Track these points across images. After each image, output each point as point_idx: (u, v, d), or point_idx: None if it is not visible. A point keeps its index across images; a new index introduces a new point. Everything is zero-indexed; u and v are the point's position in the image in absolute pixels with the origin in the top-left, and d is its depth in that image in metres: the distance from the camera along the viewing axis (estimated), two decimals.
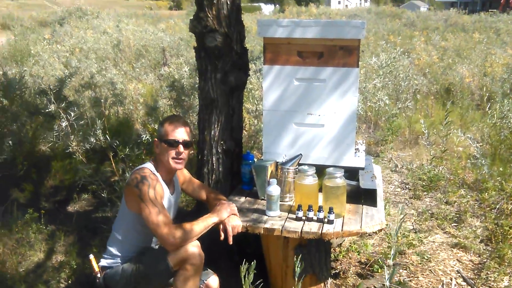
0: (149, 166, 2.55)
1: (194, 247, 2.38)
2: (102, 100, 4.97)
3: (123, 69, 8.98)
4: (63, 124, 3.75)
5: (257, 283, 1.99)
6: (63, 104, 3.94)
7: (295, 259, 1.80)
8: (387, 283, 1.76)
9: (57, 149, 4.98)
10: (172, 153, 2.52)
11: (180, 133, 2.54)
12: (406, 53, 9.97)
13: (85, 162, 3.78)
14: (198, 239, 2.45)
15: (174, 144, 2.52)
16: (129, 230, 2.55)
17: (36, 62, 9.36)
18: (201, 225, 2.42)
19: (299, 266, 1.65)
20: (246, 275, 1.73)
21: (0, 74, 5.01)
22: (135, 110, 6.27)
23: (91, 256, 2.60)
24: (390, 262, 1.95)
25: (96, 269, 2.57)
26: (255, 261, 1.82)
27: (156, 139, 2.62)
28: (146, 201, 2.37)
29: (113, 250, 2.57)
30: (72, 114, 3.85)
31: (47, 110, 3.93)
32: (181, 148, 2.52)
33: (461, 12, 26.54)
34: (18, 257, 3.45)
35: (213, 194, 2.81)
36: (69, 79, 5.11)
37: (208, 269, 2.66)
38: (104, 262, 2.58)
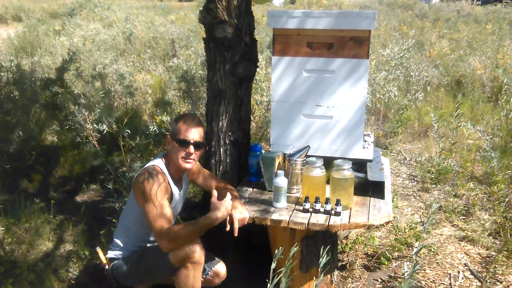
0: (159, 163, 2.54)
1: (194, 245, 2.38)
2: (110, 93, 4.98)
3: (132, 61, 8.99)
4: (76, 110, 3.76)
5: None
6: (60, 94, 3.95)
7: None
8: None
9: (65, 139, 5.01)
10: (182, 152, 2.51)
11: (192, 134, 2.51)
12: (418, 45, 9.89)
13: (98, 148, 3.79)
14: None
15: (185, 144, 2.50)
16: (135, 223, 2.56)
17: (45, 53, 9.40)
18: (198, 230, 2.36)
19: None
20: None
21: (11, 65, 5.03)
22: (144, 102, 6.28)
23: (98, 249, 2.62)
24: (414, 257, 1.93)
25: (104, 261, 2.59)
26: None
27: (168, 135, 2.60)
28: (148, 200, 2.37)
29: (119, 241, 2.59)
30: (83, 101, 3.86)
31: (56, 99, 3.94)
32: (191, 148, 2.50)
33: (474, 3, 26.18)
34: (26, 246, 3.48)
35: (222, 184, 2.79)
36: (68, 66, 5.08)
37: (215, 257, 2.66)
38: (111, 253, 2.60)
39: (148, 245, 2.63)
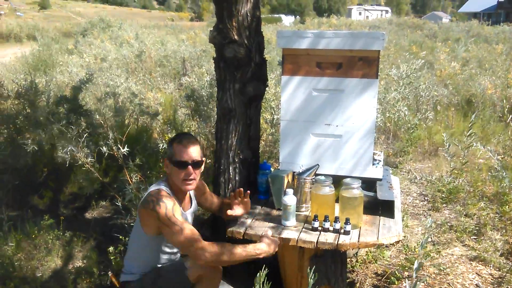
0: (163, 186, 2.49)
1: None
2: (120, 110, 5.03)
3: (143, 79, 9.09)
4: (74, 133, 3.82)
5: None
6: (76, 114, 4.03)
7: (309, 270, 1.79)
8: None
9: (76, 156, 5.05)
10: (182, 174, 2.44)
11: (189, 154, 2.45)
12: (427, 64, 9.91)
13: (95, 172, 3.84)
14: None
15: (183, 165, 2.43)
16: (143, 249, 2.51)
17: (59, 72, 9.54)
18: (242, 253, 2.30)
19: (312, 277, 1.64)
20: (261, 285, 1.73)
21: (26, 82, 5.10)
22: (154, 119, 6.32)
23: (110, 273, 2.62)
24: (414, 274, 1.91)
25: (117, 284, 2.58)
26: (267, 269, 1.82)
27: (166, 159, 2.54)
28: (166, 222, 2.30)
29: (129, 265, 2.57)
30: (83, 124, 3.92)
31: (63, 123, 4.03)
32: (190, 169, 2.44)
33: (484, 23, 26.25)
34: (36, 262, 3.49)
35: (227, 200, 2.78)
36: (85, 86, 5.16)
37: (228, 285, 2.64)
38: (124, 277, 2.58)
39: (158, 265, 2.60)
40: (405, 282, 3.28)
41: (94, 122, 4.67)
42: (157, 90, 8.43)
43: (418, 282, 1.75)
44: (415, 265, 1.84)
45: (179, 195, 2.54)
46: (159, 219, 2.32)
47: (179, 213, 2.40)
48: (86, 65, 10.45)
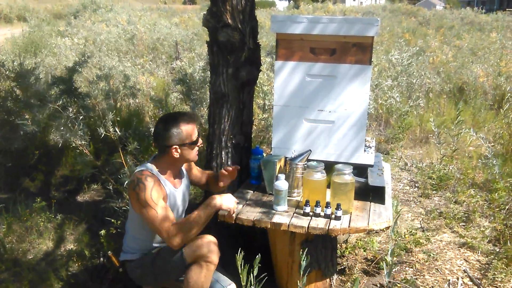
0: (148, 167, 2.50)
1: (210, 245, 2.39)
2: (110, 93, 4.97)
3: (136, 62, 9.02)
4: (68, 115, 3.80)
5: (262, 276, 2.00)
6: (69, 96, 4.00)
7: (301, 254, 1.81)
8: (386, 279, 1.75)
9: (68, 139, 5.02)
10: (196, 148, 2.57)
11: (196, 128, 2.56)
12: (420, 51, 9.92)
13: (89, 155, 3.82)
14: (214, 236, 2.47)
15: (197, 141, 2.55)
16: (139, 229, 2.55)
17: (49, 53, 9.45)
18: (204, 217, 2.39)
19: (304, 259, 1.65)
20: (243, 267, 1.74)
21: (16, 64, 5.05)
22: (146, 103, 6.31)
23: (110, 253, 2.64)
24: (388, 258, 1.94)
25: (117, 263, 2.61)
26: (259, 254, 1.83)
27: (175, 146, 2.47)
28: (145, 205, 2.35)
29: (129, 246, 2.60)
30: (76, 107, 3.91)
31: (57, 104, 4.00)
32: (200, 141, 2.58)
33: (478, 11, 26.25)
34: (27, 245, 3.49)
35: (212, 172, 2.91)
36: (79, 69, 5.12)
37: (227, 278, 2.65)
38: (124, 256, 2.62)
39: (155, 245, 2.61)
40: (394, 268, 3.32)
41: (86, 104, 4.63)
42: (148, 74, 8.38)
43: (393, 266, 1.78)
44: (389, 249, 1.86)
45: (170, 173, 2.57)
46: (138, 200, 2.37)
47: (160, 195, 2.42)
48: (76, 48, 10.35)
